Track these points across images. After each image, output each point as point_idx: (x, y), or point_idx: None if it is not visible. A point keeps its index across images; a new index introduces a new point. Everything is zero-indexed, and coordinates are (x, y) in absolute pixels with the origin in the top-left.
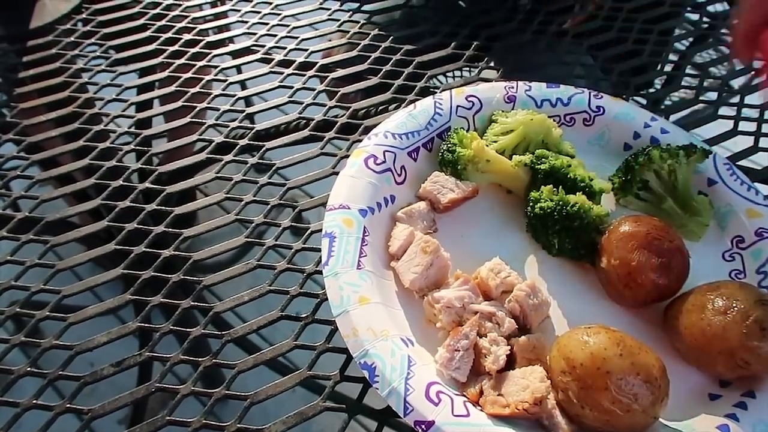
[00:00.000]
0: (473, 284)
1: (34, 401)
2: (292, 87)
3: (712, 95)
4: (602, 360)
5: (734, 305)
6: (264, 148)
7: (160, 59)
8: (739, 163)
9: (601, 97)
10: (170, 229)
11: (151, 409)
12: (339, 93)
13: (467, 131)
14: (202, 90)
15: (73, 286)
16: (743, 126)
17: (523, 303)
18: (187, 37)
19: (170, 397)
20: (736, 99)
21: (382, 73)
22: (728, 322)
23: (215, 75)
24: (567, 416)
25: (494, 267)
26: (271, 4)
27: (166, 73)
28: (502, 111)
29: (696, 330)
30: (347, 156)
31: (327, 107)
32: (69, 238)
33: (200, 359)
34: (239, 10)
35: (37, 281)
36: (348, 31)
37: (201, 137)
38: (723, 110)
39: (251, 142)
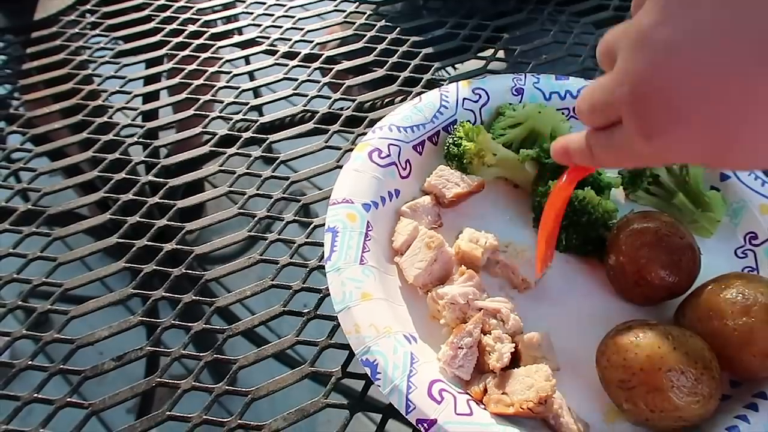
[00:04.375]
0: (477, 280)
1: (35, 395)
2: (297, 79)
3: None
4: (660, 359)
5: (751, 302)
6: (268, 141)
7: (164, 50)
8: None
9: None
10: (173, 222)
11: (159, 399)
12: (344, 85)
13: (473, 124)
14: (207, 82)
15: (74, 280)
16: None
17: (508, 261)
18: (192, 28)
19: (177, 390)
20: None
21: (388, 65)
22: (754, 323)
23: (220, 66)
24: (634, 424)
25: (471, 237)
26: None
27: (170, 65)
28: (510, 104)
29: (723, 338)
30: (352, 149)
31: (332, 99)
32: (71, 231)
33: (202, 354)
34: (244, 1)
35: (39, 274)
36: (354, 23)
37: (205, 130)
38: None
39: (255, 135)
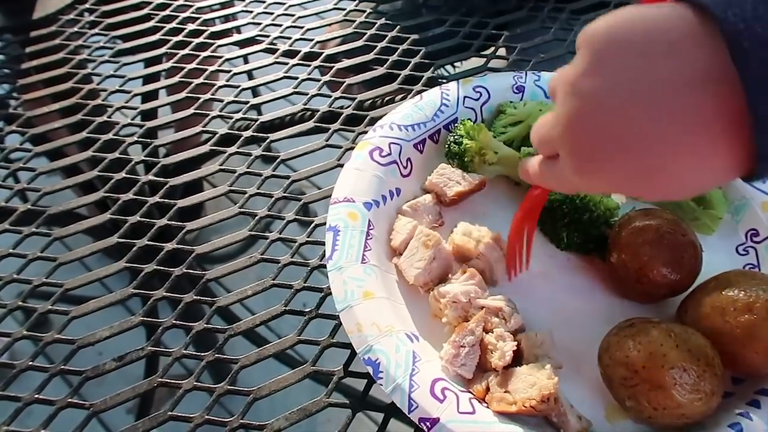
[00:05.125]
0: (479, 279)
1: (36, 395)
2: (297, 78)
3: None
4: (663, 357)
5: (753, 299)
6: (268, 140)
7: (164, 49)
8: None
9: None
10: (173, 222)
11: (159, 399)
12: (344, 84)
13: (474, 122)
14: (207, 81)
15: (75, 280)
16: None
17: (488, 255)
18: (191, 27)
19: (177, 390)
20: None
21: (388, 63)
22: (756, 320)
23: (219, 65)
24: (637, 421)
25: (465, 230)
26: None
27: (170, 64)
28: (511, 102)
29: (725, 335)
30: (353, 148)
31: (332, 98)
32: (71, 231)
33: (203, 354)
34: (243, 0)
35: (39, 274)
36: (354, 21)
37: (205, 129)
38: None
39: (256, 134)
